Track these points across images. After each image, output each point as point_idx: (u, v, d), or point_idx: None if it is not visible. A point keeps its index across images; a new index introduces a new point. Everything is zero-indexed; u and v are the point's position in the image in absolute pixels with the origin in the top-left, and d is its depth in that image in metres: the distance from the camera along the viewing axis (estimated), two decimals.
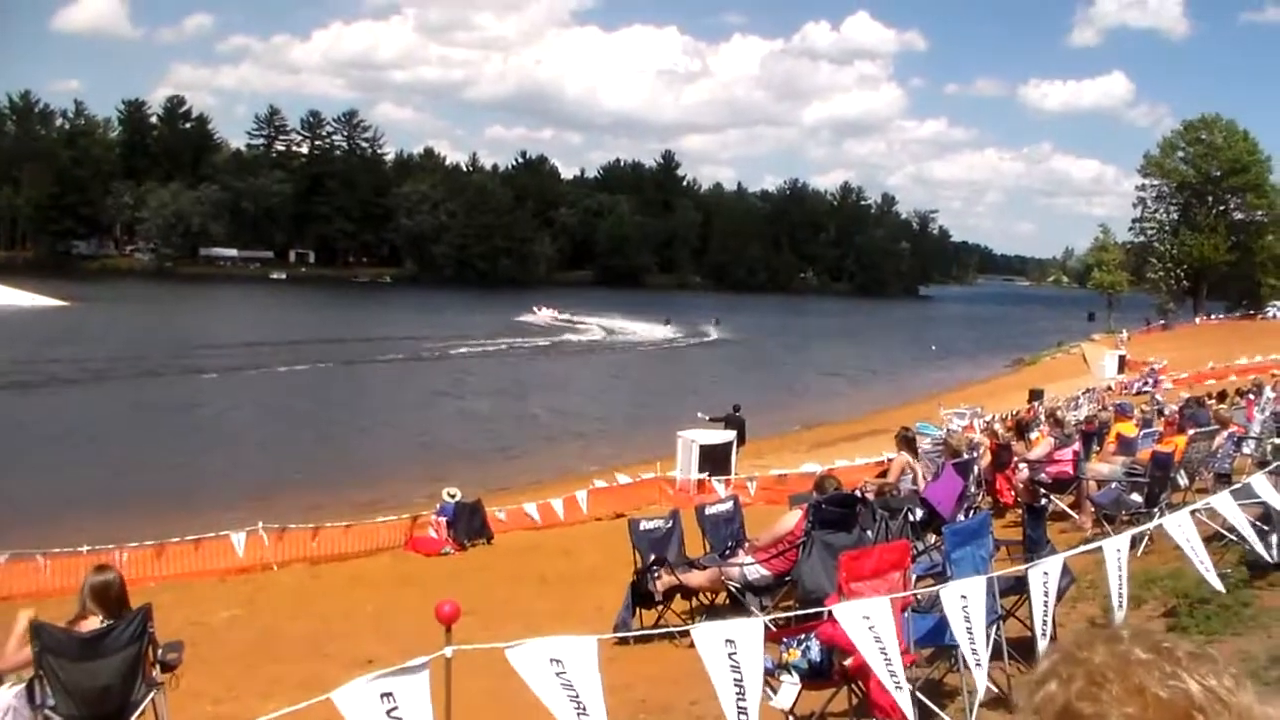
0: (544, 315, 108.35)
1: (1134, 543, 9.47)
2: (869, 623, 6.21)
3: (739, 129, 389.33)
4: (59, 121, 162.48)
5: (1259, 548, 9.37)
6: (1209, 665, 1.43)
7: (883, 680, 6.28)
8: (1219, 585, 8.65)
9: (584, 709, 5.21)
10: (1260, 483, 10.34)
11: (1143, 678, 1.40)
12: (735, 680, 5.55)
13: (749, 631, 5.69)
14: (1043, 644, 7.52)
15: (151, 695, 7.90)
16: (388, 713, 4.86)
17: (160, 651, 8.03)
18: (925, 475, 15.72)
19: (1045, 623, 7.61)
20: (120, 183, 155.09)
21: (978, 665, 6.96)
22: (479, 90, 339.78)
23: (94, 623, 7.77)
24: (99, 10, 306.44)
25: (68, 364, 55.45)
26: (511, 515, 24.85)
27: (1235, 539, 10.92)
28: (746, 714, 5.55)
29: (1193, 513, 9.57)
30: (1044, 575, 7.54)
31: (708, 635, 5.68)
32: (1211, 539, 10.78)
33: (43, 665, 7.33)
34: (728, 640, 5.59)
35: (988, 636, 8.14)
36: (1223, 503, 9.52)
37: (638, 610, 12.22)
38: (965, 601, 6.89)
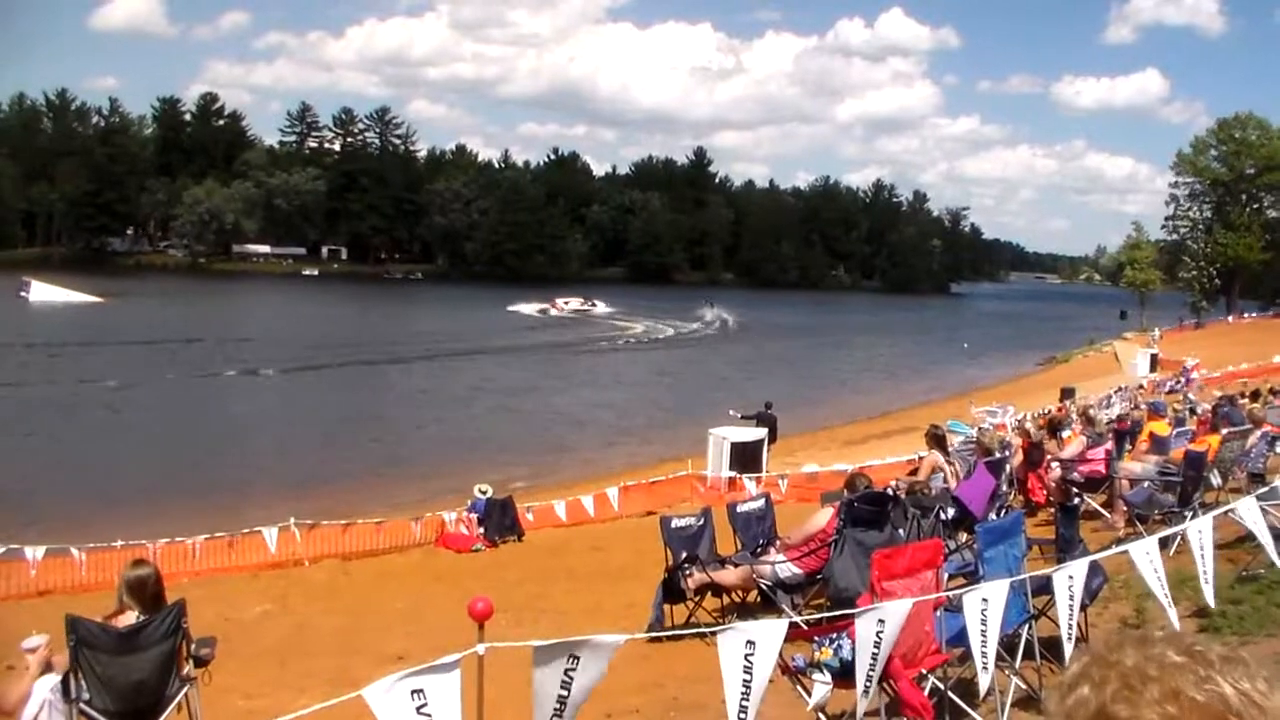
0: (568, 307, 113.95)
1: (1166, 542, 9.43)
2: (879, 627, 6.23)
3: (772, 126, 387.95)
4: (94, 119, 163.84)
5: (1273, 555, 9.32)
6: (1242, 668, 1.43)
7: (857, 680, 6.31)
8: (1210, 600, 8.65)
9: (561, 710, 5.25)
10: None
11: (1178, 681, 1.41)
12: (744, 681, 5.58)
13: (770, 633, 5.70)
14: (1068, 647, 7.56)
15: (185, 690, 7.95)
16: (418, 709, 4.87)
17: (194, 647, 8.07)
18: (957, 473, 15.67)
19: (1071, 626, 7.65)
20: (154, 180, 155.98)
21: (984, 669, 7.05)
22: (512, 87, 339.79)
23: (130, 618, 7.83)
24: (137, 8, 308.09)
25: (103, 361, 55.86)
26: (542, 512, 24.88)
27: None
28: (746, 714, 5.58)
29: (1225, 513, 9.54)
30: (1069, 579, 7.54)
31: (730, 636, 5.70)
32: (1245, 539, 10.74)
33: (78, 659, 7.39)
34: (749, 641, 5.60)
35: (1019, 635, 8.17)
36: (1248, 508, 9.50)
37: (668, 608, 12.20)
38: (985, 605, 6.91)
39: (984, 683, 7.19)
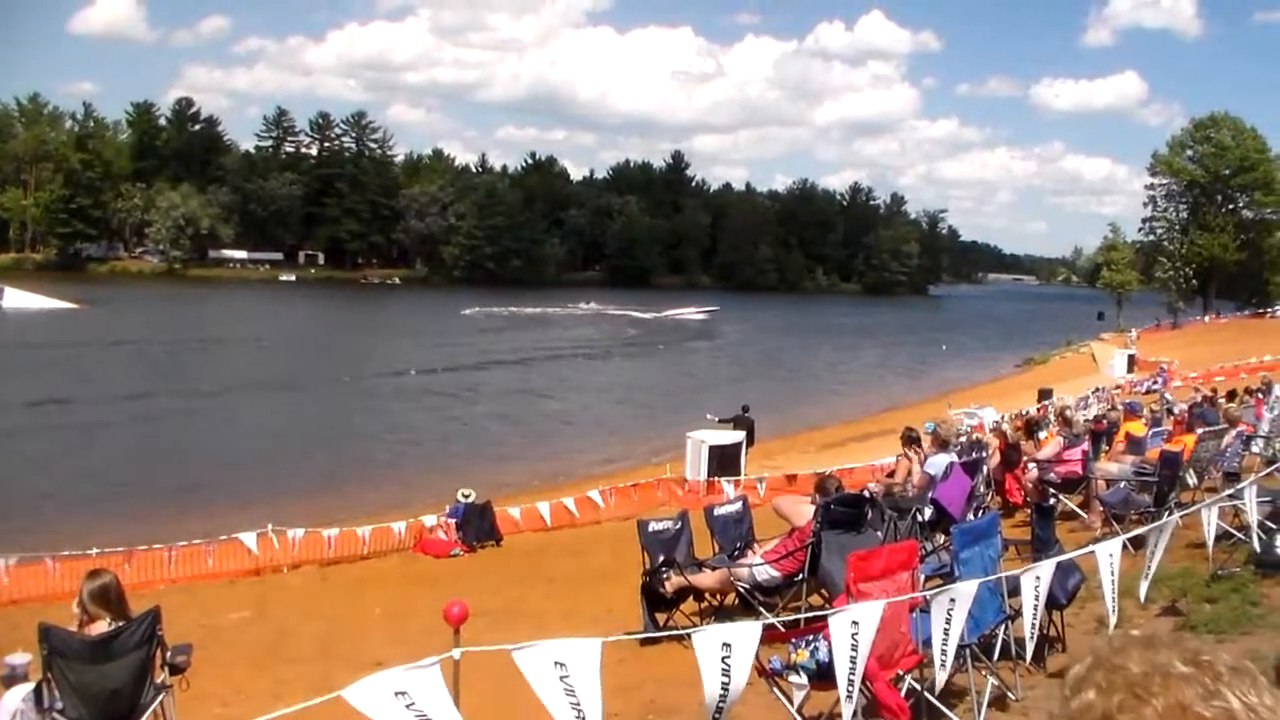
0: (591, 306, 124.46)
1: (1140, 542, 9.48)
2: (854, 629, 6.23)
3: (751, 129, 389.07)
4: (68, 124, 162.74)
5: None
6: (1249, 681, 1.41)
7: (839, 685, 6.31)
8: (1142, 595, 8.76)
9: (582, 713, 5.22)
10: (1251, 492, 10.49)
11: (1185, 693, 1.39)
12: (723, 684, 5.59)
13: (746, 635, 5.71)
14: (1030, 646, 7.66)
15: (160, 698, 7.91)
16: (406, 707, 4.86)
17: (169, 654, 8.03)
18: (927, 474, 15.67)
19: (1034, 626, 7.81)
20: (130, 185, 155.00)
21: (942, 666, 7.12)
22: (492, 91, 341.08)
23: (102, 626, 7.79)
24: (116, 12, 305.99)
25: (76, 368, 55.59)
26: (521, 516, 24.80)
27: (1243, 538, 10.95)
28: (720, 715, 5.60)
29: (1183, 516, 9.62)
30: (1036, 579, 7.59)
31: (707, 639, 5.70)
32: (1221, 538, 10.81)
33: (51, 668, 7.34)
34: (725, 644, 5.61)
35: (996, 635, 8.20)
36: (1205, 513, 9.67)
37: (655, 615, 12.18)
38: (953, 605, 6.94)
39: (940, 680, 7.24)
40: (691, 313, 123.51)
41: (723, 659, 5.60)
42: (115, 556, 17.87)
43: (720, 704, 5.60)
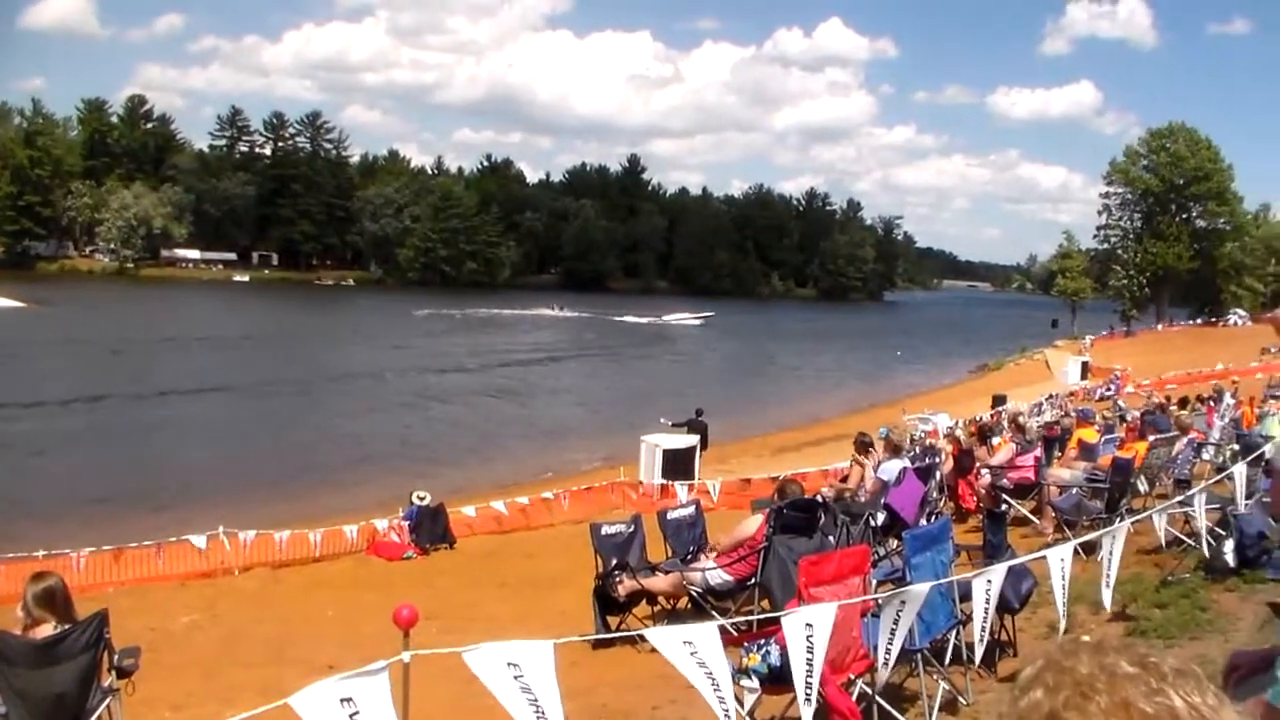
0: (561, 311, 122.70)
1: (1092, 548, 9.55)
2: (808, 631, 6.23)
3: (708, 134, 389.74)
4: (16, 120, 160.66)
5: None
6: (1193, 682, 1.45)
7: (796, 688, 6.30)
8: (1107, 604, 8.84)
9: (543, 712, 5.19)
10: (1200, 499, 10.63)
11: (1129, 692, 1.42)
12: (708, 675, 5.58)
13: (706, 633, 5.70)
14: (979, 650, 7.70)
15: (107, 702, 7.82)
16: (350, 716, 4.81)
17: (117, 657, 7.94)
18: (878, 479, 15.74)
19: (984, 630, 7.82)
20: (80, 183, 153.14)
21: (885, 665, 7.19)
22: (449, 94, 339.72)
23: (47, 629, 7.68)
24: (68, 8, 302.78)
25: (24, 368, 54.98)
26: (474, 519, 24.70)
27: (1193, 544, 11.05)
28: (726, 705, 5.59)
29: (1143, 520, 9.70)
30: (987, 584, 7.62)
31: (666, 639, 5.68)
32: (1172, 543, 10.91)
33: None
34: (686, 642, 5.59)
35: (947, 640, 8.23)
36: (1157, 518, 9.76)
37: (607, 618, 12.17)
38: (901, 608, 6.95)
39: (882, 678, 7.31)
40: (687, 318, 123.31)
41: (691, 654, 5.58)
42: (62, 559, 17.67)
43: (720, 694, 5.58)
